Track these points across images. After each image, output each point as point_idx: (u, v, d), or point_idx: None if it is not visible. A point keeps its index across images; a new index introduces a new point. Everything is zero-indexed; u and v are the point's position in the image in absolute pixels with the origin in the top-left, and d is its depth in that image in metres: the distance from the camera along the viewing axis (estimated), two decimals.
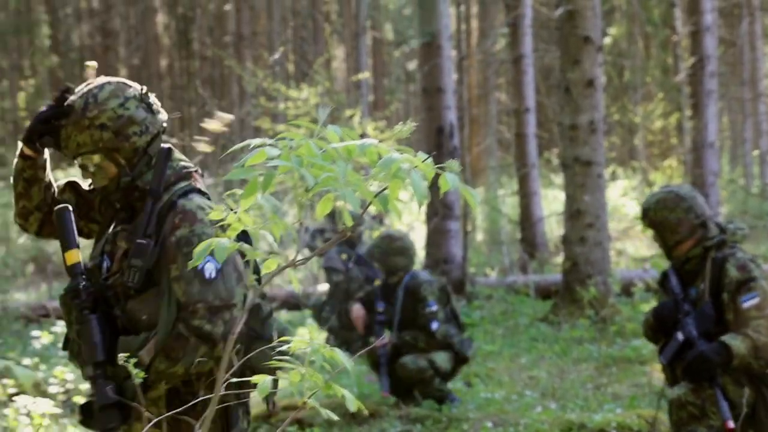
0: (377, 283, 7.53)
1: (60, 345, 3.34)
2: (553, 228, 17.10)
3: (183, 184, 3.10)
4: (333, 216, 10.08)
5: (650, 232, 5.17)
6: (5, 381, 6.59)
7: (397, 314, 7.15)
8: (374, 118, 16.73)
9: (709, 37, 13.90)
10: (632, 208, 19.02)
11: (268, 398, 3.08)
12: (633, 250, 16.46)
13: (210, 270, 2.96)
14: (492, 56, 22.34)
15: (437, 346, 7.05)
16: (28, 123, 3.23)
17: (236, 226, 2.12)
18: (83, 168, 3.11)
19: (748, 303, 4.78)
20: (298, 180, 1.98)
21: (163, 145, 3.14)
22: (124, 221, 3.14)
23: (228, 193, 2.14)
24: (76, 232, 3.12)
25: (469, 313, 10.92)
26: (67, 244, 3.10)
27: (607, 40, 22.91)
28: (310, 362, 2.19)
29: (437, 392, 7.08)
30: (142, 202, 3.09)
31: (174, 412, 2.74)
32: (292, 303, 11.79)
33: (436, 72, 11.50)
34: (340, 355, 2.22)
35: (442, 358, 7.06)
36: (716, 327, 4.84)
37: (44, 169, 3.25)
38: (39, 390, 6.63)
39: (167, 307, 2.96)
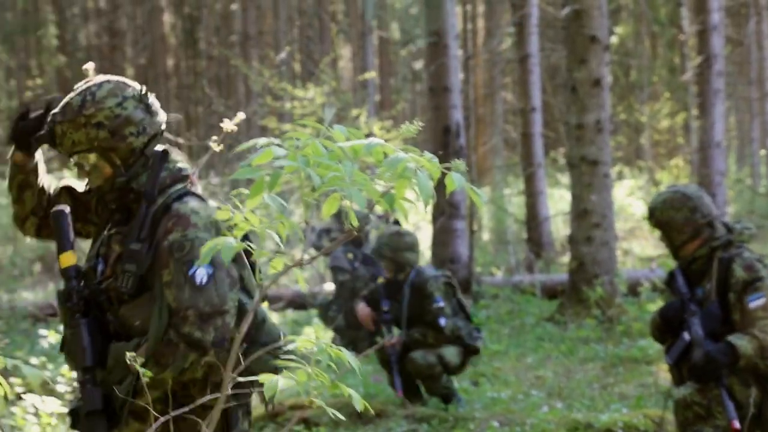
0: (380, 280, 7.52)
1: None
2: (559, 227, 17.08)
3: (179, 186, 3.05)
4: (339, 215, 10.08)
5: (657, 232, 5.16)
6: (13, 380, 6.60)
7: (404, 312, 7.16)
8: (380, 117, 16.74)
9: (716, 37, 13.87)
10: (639, 207, 19.00)
11: (267, 399, 3.06)
12: (639, 249, 16.45)
13: (201, 276, 2.89)
14: (498, 55, 22.32)
15: (446, 341, 7.07)
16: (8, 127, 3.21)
17: (243, 226, 2.12)
18: (79, 167, 3.05)
19: (755, 303, 4.78)
20: (304, 179, 1.98)
21: (159, 146, 3.08)
22: (120, 223, 3.09)
23: (234, 192, 2.14)
24: (72, 235, 3.07)
25: (475, 313, 10.91)
26: (62, 247, 3.05)
27: (614, 40, 22.88)
28: (316, 362, 2.19)
29: (444, 390, 7.08)
30: (137, 204, 3.04)
31: (176, 413, 2.72)
32: (299, 302, 11.80)
33: (443, 71, 11.49)
34: (347, 355, 2.22)
35: (451, 353, 7.07)
36: (723, 327, 4.83)
37: (36, 173, 3.19)
38: (46, 389, 6.64)
39: (159, 312, 2.91)
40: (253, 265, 3.05)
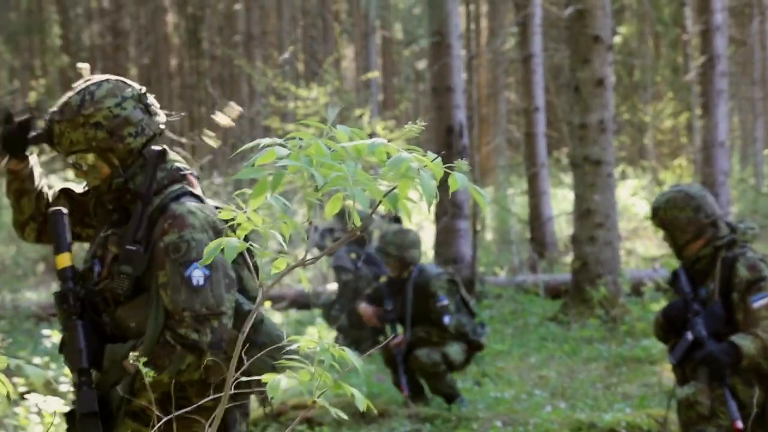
0: (383, 279, 7.52)
1: None
2: (562, 227, 17.08)
3: (176, 187, 3.02)
4: (342, 215, 10.08)
5: (660, 232, 5.16)
6: (16, 380, 6.61)
7: (408, 311, 7.16)
8: (383, 117, 16.74)
9: (720, 37, 13.86)
10: (642, 207, 18.99)
11: (265, 400, 3.04)
12: (643, 249, 16.43)
13: (198, 277, 2.87)
14: (501, 55, 22.32)
15: (450, 338, 7.09)
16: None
17: (246, 226, 2.12)
18: (77, 167, 3.03)
19: (758, 303, 4.77)
20: (307, 179, 1.98)
21: (156, 147, 3.04)
22: (117, 224, 3.06)
23: (237, 192, 2.14)
24: (68, 236, 3.05)
25: (478, 313, 10.91)
26: (58, 248, 3.02)
27: (617, 39, 22.87)
28: (319, 361, 2.19)
29: (447, 388, 7.09)
30: (134, 205, 3.01)
31: (177, 413, 2.72)
32: (302, 302, 11.80)
33: (446, 71, 11.49)
34: (350, 355, 2.22)
35: (455, 351, 7.08)
36: (726, 327, 4.83)
37: (31, 180, 3.16)
38: (49, 389, 6.64)
39: (155, 314, 2.89)
40: (257, 267, 3.04)
